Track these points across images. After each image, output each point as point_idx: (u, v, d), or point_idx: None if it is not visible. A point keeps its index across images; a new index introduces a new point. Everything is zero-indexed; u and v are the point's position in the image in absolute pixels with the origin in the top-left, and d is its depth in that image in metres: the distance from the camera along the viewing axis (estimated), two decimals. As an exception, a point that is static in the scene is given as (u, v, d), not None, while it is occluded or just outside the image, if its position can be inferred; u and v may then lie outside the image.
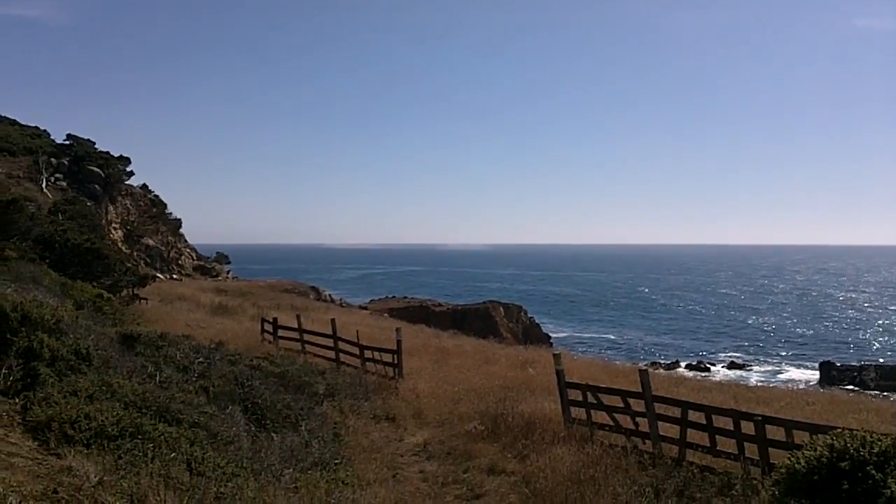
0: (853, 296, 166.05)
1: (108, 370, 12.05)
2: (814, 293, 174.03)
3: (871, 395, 43.94)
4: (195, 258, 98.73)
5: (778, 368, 78.57)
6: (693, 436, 13.13)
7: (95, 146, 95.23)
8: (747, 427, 12.06)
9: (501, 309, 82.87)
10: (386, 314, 66.24)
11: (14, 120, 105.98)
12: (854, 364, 73.26)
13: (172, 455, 8.61)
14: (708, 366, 77.18)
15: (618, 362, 39.25)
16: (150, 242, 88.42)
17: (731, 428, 12.36)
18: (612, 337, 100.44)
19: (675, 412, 13.51)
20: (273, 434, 13.40)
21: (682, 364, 76.76)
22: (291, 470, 11.14)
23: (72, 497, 6.73)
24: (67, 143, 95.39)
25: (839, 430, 8.27)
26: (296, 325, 27.72)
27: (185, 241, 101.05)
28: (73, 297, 28.60)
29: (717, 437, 12.72)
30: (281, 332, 28.65)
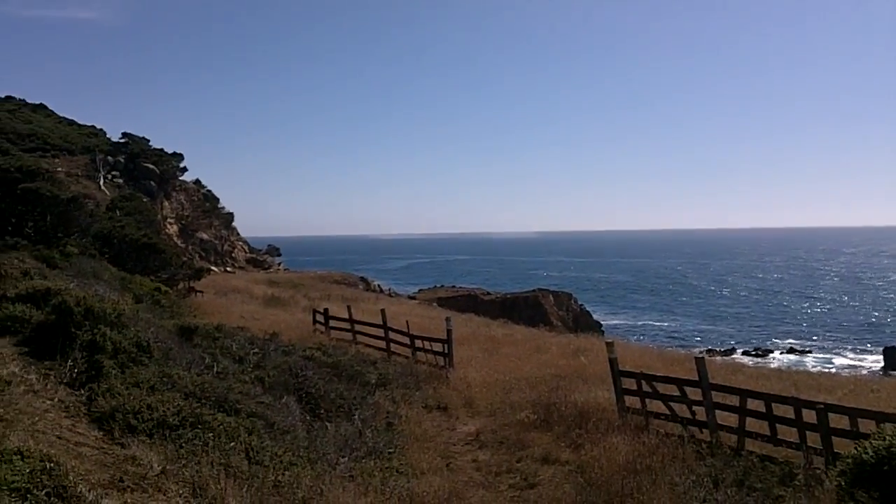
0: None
1: (168, 362, 12.29)
2: (871, 277, 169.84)
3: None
4: (247, 251, 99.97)
5: (838, 355, 76.61)
6: (752, 425, 12.88)
7: (150, 143, 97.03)
8: (809, 416, 11.78)
9: (551, 297, 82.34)
10: (434, 303, 66.31)
11: (72, 120, 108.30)
12: (921, 349, 70.96)
13: (231, 444, 8.78)
14: (765, 352, 75.81)
15: (672, 350, 38.72)
16: (204, 236, 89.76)
17: (792, 416, 12.09)
18: (665, 324, 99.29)
19: (733, 400, 13.30)
20: (327, 423, 13.56)
21: (739, 351, 75.48)
22: (346, 459, 11.28)
23: (137, 485, 6.90)
24: (123, 141, 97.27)
25: (909, 418, 8.03)
26: (346, 316, 27.91)
27: (238, 234, 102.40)
28: (132, 291, 29.17)
29: (777, 425, 12.45)
30: (332, 323, 28.90)
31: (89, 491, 6.22)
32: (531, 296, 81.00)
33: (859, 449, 7.74)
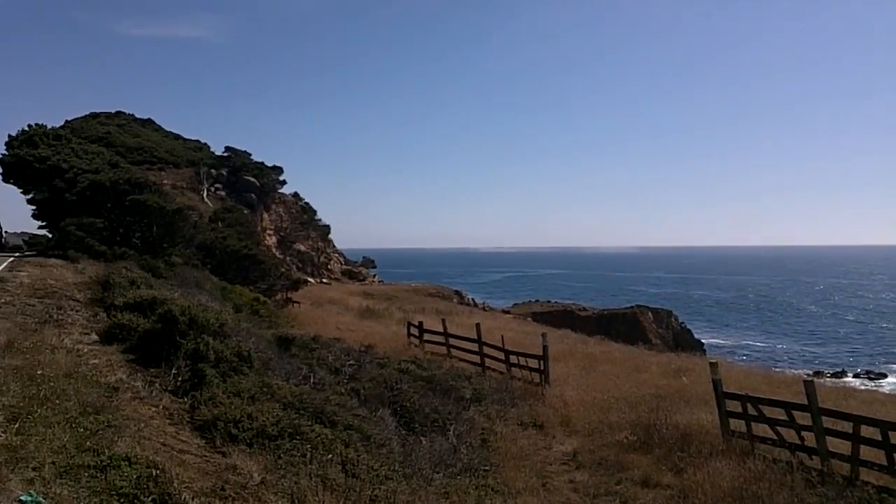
0: None
1: (268, 372, 12.49)
2: None
3: None
4: (343, 262, 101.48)
5: (963, 379, 72.61)
6: (867, 453, 12.18)
7: (251, 157, 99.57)
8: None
9: (650, 314, 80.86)
10: (529, 318, 65.92)
11: (178, 134, 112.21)
12: None
13: (329, 457, 8.82)
14: (878, 375, 72.18)
15: (777, 372, 37.45)
16: (302, 248, 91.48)
17: (913, 446, 11.48)
18: (769, 344, 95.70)
19: (846, 426, 12.60)
20: (421, 437, 13.54)
21: (849, 374, 72.10)
22: (441, 475, 11.23)
23: (237, 494, 6.99)
24: (226, 154, 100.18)
25: None
26: (441, 330, 27.97)
27: (334, 245, 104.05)
28: (232, 301, 29.86)
29: (895, 455, 11.82)
30: (426, 336, 28.99)
31: (193, 499, 6.33)
32: (629, 312, 79.72)
33: None
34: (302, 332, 23.32)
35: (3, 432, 7.33)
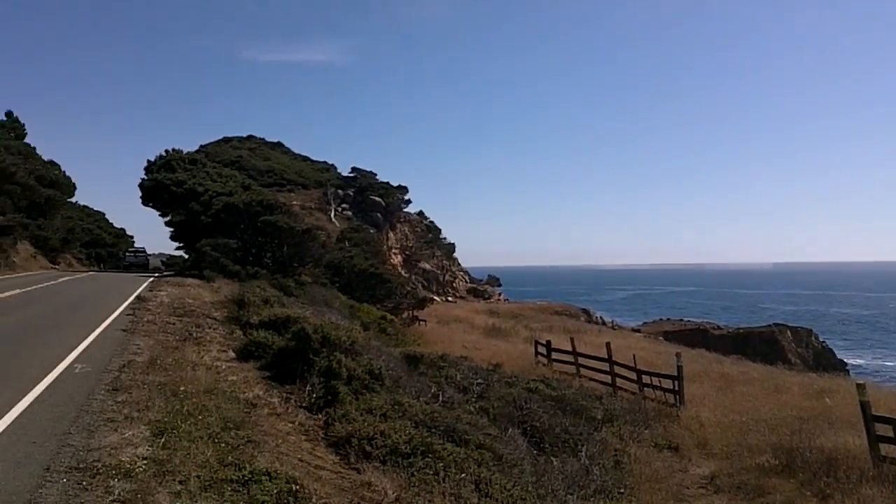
0: None
1: (398, 389, 12.58)
2: None
3: None
4: (468, 281, 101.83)
5: None
6: None
7: (377, 177, 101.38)
8: None
9: (788, 332, 77.55)
10: (660, 337, 64.53)
11: (306, 156, 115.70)
12: None
13: (462, 476, 8.77)
14: None
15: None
16: (427, 266, 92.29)
17: None
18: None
19: None
20: (552, 458, 13.35)
21: None
22: (575, 496, 11.03)
23: (373, 512, 7.02)
24: (352, 175, 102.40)
25: None
26: (569, 348, 27.63)
27: (459, 264, 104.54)
28: (360, 319, 30.31)
29: None
30: (555, 355, 28.68)
31: (330, 514, 6.39)
32: (766, 331, 76.75)
33: None
34: (429, 350, 23.47)
35: (150, 446, 7.60)
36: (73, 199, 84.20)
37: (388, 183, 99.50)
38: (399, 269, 80.00)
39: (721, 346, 57.48)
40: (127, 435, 7.99)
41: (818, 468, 13.81)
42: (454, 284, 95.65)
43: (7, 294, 27.37)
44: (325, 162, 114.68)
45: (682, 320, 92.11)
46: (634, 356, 24.36)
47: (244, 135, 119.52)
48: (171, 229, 63.29)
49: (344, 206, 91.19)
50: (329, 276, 47.29)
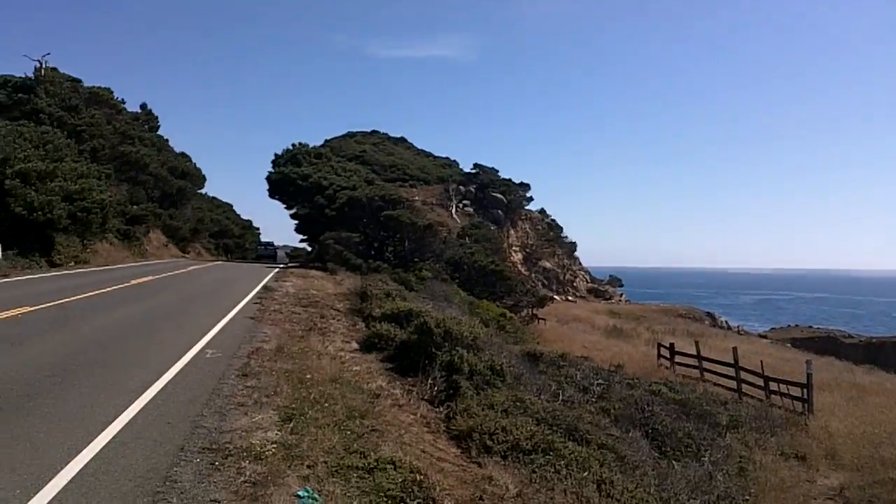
0: None
1: (520, 386, 12.54)
2: None
3: None
4: (588, 280, 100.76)
5: None
6: None
7: (498, 174, 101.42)
8: None
9: (926, 342, 73.80)
10: (788, 344, 62.22)
11: (428, 152, 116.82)
12: None
13: (584, 475, 8.66)
14: None
15: None
16: (547, 265, 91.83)
17: None
18: None
19: None
20: (674, 462, 13.07)
21: None
22: (698, 501, 10.76)
23: (495, 506, 7.01)
24: (474, 171, 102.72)
25: None
26: (693, 352, 27.04)
27: (580, 263, 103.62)
28: (479, 315, 30.38)
29: None
30: (678, 359, 28.11)
31: (454, 506, 6.41)
32: (901, 340, 73.14)
33: None
34: (548, 349, 23.29)
35: (279, 431, 7.81)
36: (203, 191, 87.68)
37: (509, 180, 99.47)
38: (519, 266, 79.91)
39: (852, 355, 54.86)
40: (256, 419, 8.23)
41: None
42: (574, 284, 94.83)
43: (140, 280, 28.67)
44: (447, 158, 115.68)
45: (810, 327, 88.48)
46: (762, 362, 23.66)
47: (368, 129, 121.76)
48: (296, 222, 65.22)
49: (465, 202, 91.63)
50: (449, 272, 47.58)
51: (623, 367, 22.77)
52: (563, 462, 8.98)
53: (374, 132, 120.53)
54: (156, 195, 66.18)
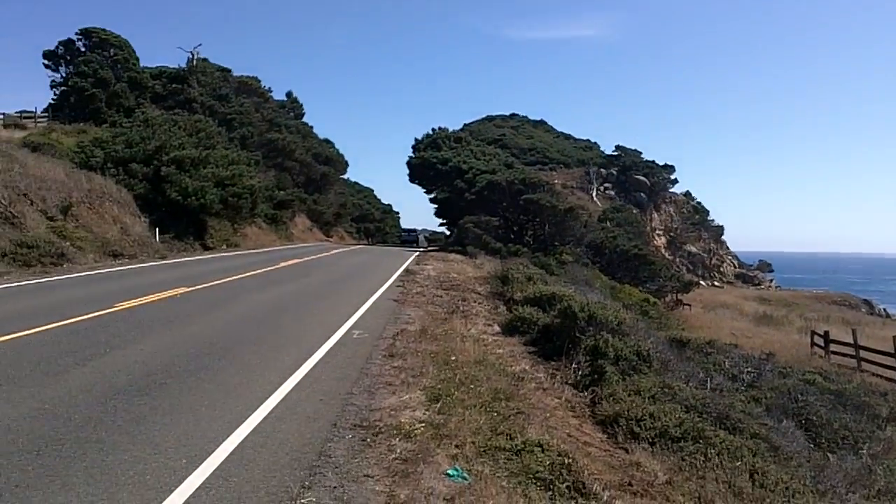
0: None
1: (666, 373, 12.28)
2: None
3: None
4: (736, 265, 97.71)
5: None
6: None
7: (642, 156, 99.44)
8: None
9: None
10: (954, 334, 58.59)
11: (569, 135, 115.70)
12: None
13: (737, 464, 8.42)
14: None
15: None
16: (692, 249, 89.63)
17: None
18: None
19: None
20: (829, 454, 12.53)
21: None
22: (857, 495, 10.28)
23: (645, 492, 6.90)
24: (616, 153, 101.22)
25: None
26: (849, 340, 25.83)
27: (727, 247, 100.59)
28: (621, 300, 29.93)
29: None
30: (833, 347, 26.89)
31: (603, 490, 6.34)
32: None
33: None
34: (694, 335, 22.72)
35: (426, 410, 7.93)
36: (345, 176, 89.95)
37: (653, 162, 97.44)
38: (663, 251, 78.36)
39: None
40: (404, 398, 8.38)
41: None
42: (721, 269, 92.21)
43: (288, 263, 29.69)
44: (587, 140, 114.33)
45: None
46: (924, 354, 22.39)
47: (507, 113, 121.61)
48: (435, 206, 66.01)
49: (606, 185, 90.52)
50: (590, 256, 47.12)
51: (774, 356, 21.92)
52: (713, 450, 8.76)
53: (513, 115, 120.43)
54: (301, 180, 68.43)
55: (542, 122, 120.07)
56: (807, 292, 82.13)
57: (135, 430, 6.74)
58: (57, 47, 53.17)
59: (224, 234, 41.99)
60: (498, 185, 52.77)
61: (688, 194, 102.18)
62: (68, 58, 52.75)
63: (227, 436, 6.69)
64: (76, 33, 53.13)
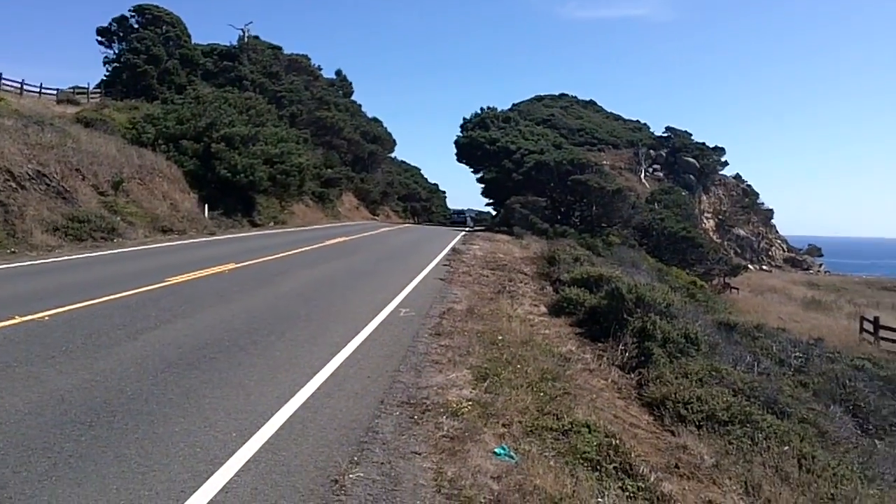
0: None
1: (714, 356, 12.21)
2: None
3: None
4: (785, 250, 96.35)
5: None
6: None
7: (692, 137, 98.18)
8: None
9: None
10: None
11: (618, 115, 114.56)
12: None
13: (784, 448, 8.38)
14: None
15: None
16: (741, 232, 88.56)
17: None
18: None
19: None
20: (877, 441, 12.39)
21: None
22: (910, 481, 10.19)
23: (692, 474, 6.91)
24: (665, 135, 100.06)
25: None
26: (901, 327, 25.40)
27: (776, 231, 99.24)
28: (668, 283, 29.69)
29: None
30: (883, 333, 26.44)
31: (650, 472, 6.36)
32: None
33: None
34: (742, 319, 22.49)
35: (473, 389, 7.98)
36: (393, 154, 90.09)
37: (703, 144, 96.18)
38: (711, 234, 77.55)
39: None
40: (451, 377, 8.44)
41: None
42: (770, 253, 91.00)
43: (336, 241, 29.90)
44: (637, 121, 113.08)
45: None
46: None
47: (557, 93, 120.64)
48: (482, 186, 65.84)
49: (655, 166, 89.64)
50: (637, 238, 46.80)
51: (823, 341, 21.62)
52: (761, 435, 8.73)
53: (562, 95, 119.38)
54: (348, 159, 68.74)
55: (591, 103, 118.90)
56: (856, 277, 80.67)
57: (185, 402, 6.89)
58: (110, 24, 54.04)
59: (272, 212, 42.39)
60: (546, 166, 52.54)
61: (738, 177, 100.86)
62: (121, 34, 53.59)
63: (277, 411, 6.79)
64: (130, 10, 54.02)
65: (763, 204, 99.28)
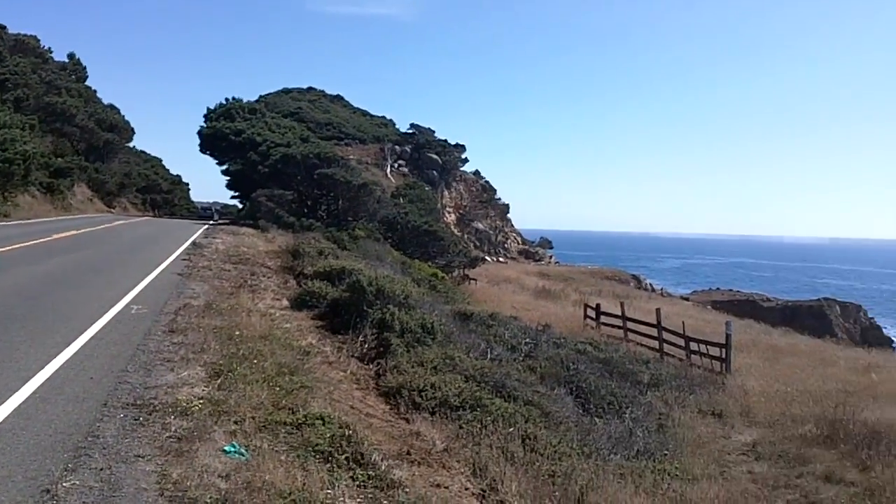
0: None
1: (450, 344, 12.69)
2: None
3: None
4: (520, 242, 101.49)
5: None
6: None
7: (435, 134, 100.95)
8: None
9: (837, 307, 76.03)
10: (709, 306, 63.70)
11: (365, 111, 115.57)
12: None
13: (510, 430, 8.88)
14: None
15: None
16: (480, 226, 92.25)
17: None
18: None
19: None
20: (596, 419, 13.42)
21: None
22: (619, 456, 11.12)
23: (423, 460, 7.16)
24: (411, 131, 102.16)
25: None
26: (618, 313, 27.58)
27: (512, 225, 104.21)
28: (411, 275, 30.44)
29: None
30: (603, 319, 28.64)
31: (382, 460, 6.53)
32: (816, 305, 75.43)
33: None
34: (479, 308, 23.53)
35: (206, 387, 7.81)
36: (131, 144, 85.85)
37: (445, 141, 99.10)
38: (453, 227, 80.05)
39: (770, 318, 56.63)
40: (183, 375, 8.20)
41: (860, 440, 13.77)
42: (506, 245, 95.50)
43: (63, 235, 28.00)
44: (383, 117, 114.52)
45: (731, 290, 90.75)
46: (683, 323, 24.29)
47: (305, 86, 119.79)
48: (228, 178, 64.08)
49: (400, 162, 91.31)
50: (383, 232, 47.48)
51: (551, 327, 23.06)
52: (490, 418, 9.20)
53: (310, 89, 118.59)
54: (82, 148, 64.60)
55: (339, 97, 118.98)
56: (583, 268, 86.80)
57: None
58: None
59: (-8, 203, 39.05)
60: (293, 159, 52.01)
61: (477, 173, 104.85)
62: None
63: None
64: None
65: (500, 199, 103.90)
